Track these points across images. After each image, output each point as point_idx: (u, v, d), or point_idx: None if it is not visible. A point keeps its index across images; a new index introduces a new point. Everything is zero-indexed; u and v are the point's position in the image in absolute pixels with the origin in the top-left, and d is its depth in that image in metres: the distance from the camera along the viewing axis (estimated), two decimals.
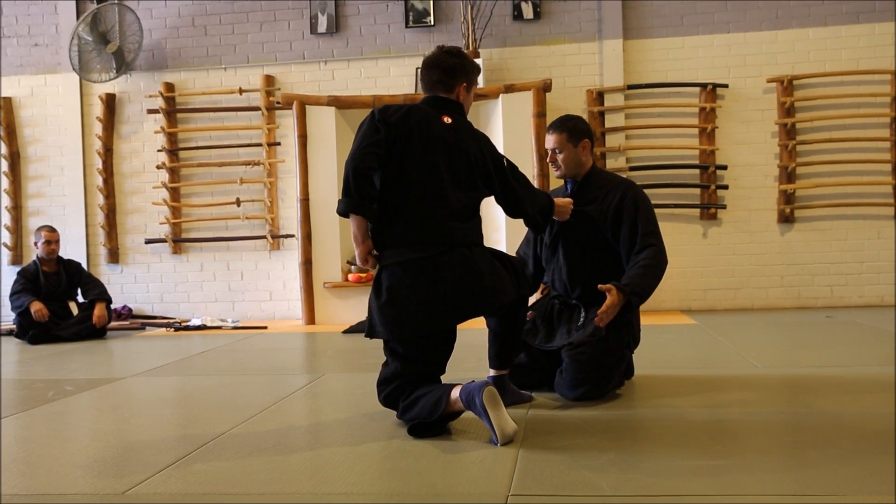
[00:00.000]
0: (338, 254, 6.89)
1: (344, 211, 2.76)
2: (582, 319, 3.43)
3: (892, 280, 6.98)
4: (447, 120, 2.94)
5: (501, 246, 6.77)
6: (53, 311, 6.24)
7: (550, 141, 3.50)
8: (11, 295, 6.31)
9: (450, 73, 2.98)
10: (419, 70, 3.09)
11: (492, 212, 7.02)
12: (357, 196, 2.72)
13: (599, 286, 3.22)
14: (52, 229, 6.52)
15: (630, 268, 3.35)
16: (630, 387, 3.49)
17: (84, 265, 7.27)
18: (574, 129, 3.48)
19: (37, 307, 6.10)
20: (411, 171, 2.82)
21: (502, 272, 2.93)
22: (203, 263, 7.72)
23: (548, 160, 3.53)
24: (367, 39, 7.49)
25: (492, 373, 3.14)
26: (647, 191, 7.10)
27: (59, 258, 6.56)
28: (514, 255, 3.49)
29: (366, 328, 2.91)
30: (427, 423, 2.70)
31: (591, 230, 3.44)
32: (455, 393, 2.65)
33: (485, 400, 2.55)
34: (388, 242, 2.83)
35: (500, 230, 6.75)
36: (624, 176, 7.05)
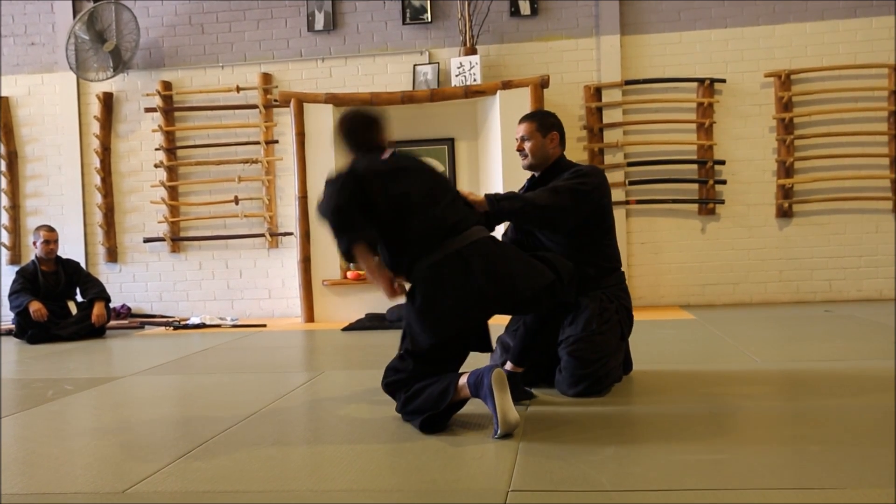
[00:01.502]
0: (336, 251, 6.87)
1: (347, 248, 2.83)
2: (571, 316, 3.38)
3: (891, 274, 6.98)
4: (386, 156, 3.01)
5: None
6: (52, 311, 6.23)
7: (520, 129, 3.50)
8: (10, 295, 6.30)
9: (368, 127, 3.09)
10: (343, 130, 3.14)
11: None
12: (350, 228, 2.79)
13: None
14: (50, 229, 6.51)
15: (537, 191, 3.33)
16: (629, 382, 3.49)
17: (83, 264, 7.26)
18: (544, 121, 3.49)
19: (35, 307, 6.10)
20: (400, 206, 2.84)
21: (530, 259, 2.96)
22: (202, 262, 7.72)
23: (516, 149, 3.52)
24: (365, 36, 7.49)
25: (508, 366, 3.15)
26: (645, 186, 7.20)
27: (58, 257, 6.56)
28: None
29: (405, 345, 2.88)
30: (436, 415, 2.69)
31: None
32: (463, 379, 2.66)
33: (493, 381, 2.55)
34: (411, 267, 2.84)
35: (499, 226, 6.74)
36: (622, 172, 7.11)
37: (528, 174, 3.60)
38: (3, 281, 7.60)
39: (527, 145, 3.46)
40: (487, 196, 3.22)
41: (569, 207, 3.25)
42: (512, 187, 6.66)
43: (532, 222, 3.34)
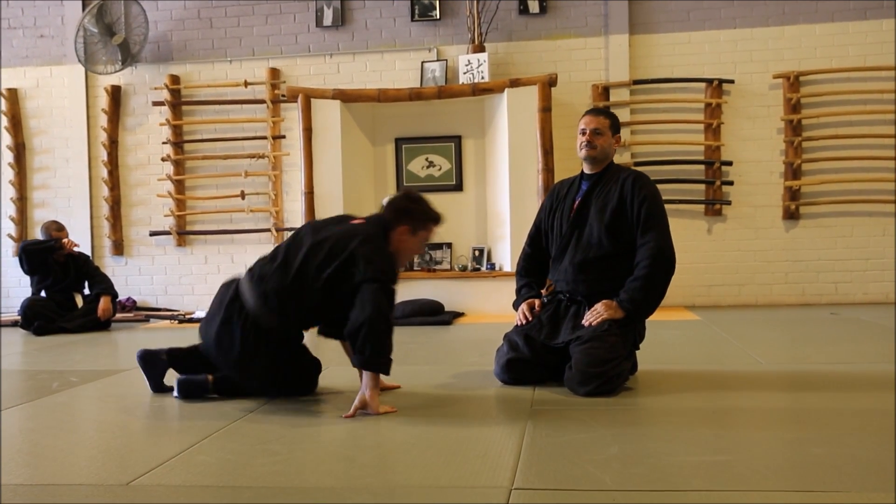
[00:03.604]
0: None
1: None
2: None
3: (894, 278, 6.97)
4: None
5: (506, 242, 6.76)
6: (59, 303, 6.26)
7: (592, 122, 3.55)
8: (27, 251, 6.27)
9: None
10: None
11: (496, 206, 7.02)
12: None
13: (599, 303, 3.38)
14: (58, 228, 6.46)
15: (630, 279, 3.39)
16: (634, 382, 3.49)
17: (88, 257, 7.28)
18: (615, 122, 3.63)
19: (66, 240, 6.24)
20: None
21: None
22: (207, 256, 7.74)
23: (585, 138, 3.54)
24: (373, 33, 7.49)
25: None
26: None
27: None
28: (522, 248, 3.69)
29: None
30: None
31: (600, 227, 3.45)
32: None
33: None
34: None
35: (505, 224, 6.75)
36: None
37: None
38: (9, 272, 7.63)
39: (598, 140, 3.54)
40: (622, 305, 3.37)
41: (670, 259, 3.41)
42: (518, 186, 6.66)
43: (662, 295, 3.47)
